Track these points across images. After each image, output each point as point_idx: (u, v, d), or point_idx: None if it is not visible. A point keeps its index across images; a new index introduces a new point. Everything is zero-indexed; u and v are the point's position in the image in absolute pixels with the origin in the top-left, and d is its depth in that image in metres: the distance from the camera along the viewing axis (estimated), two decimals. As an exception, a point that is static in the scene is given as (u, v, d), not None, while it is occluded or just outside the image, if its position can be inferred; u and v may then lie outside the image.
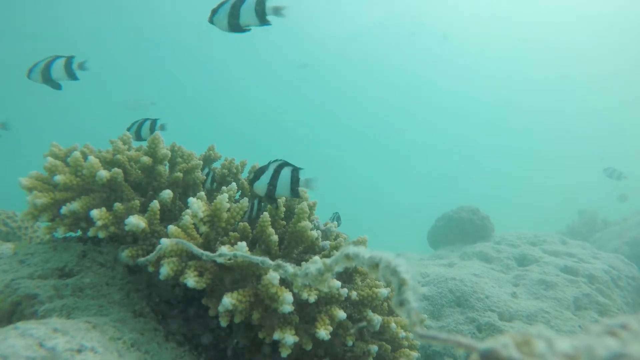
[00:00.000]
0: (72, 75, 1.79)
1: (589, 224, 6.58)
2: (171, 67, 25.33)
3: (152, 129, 1.90)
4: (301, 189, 1.40)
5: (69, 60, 1.77)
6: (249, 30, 1.53)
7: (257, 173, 1.40)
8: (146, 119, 1.93)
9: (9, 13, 18.47)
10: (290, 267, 0.51)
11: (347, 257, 0.41)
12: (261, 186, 1.39)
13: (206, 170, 1.73)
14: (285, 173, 1.39)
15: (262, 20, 1.49)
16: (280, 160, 1.42)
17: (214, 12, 1.54)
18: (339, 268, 0.43)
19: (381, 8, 22.94)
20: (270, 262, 0.56)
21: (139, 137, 1.90)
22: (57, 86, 1.82)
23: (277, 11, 1.48)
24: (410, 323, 0.33)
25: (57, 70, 1.77)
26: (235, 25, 1.51)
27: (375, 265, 0.38)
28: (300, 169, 1.41)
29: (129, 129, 1.90)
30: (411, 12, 23.60)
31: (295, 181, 1.39)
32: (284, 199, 1.51)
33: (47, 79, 1.78)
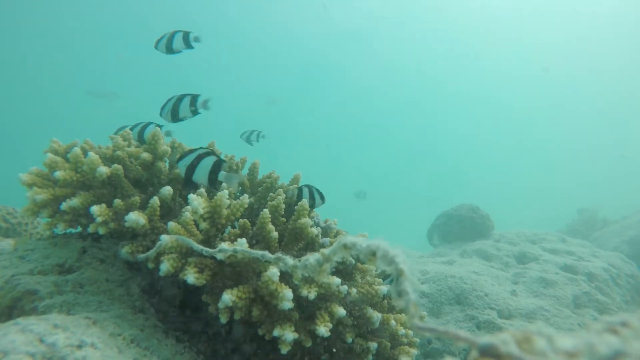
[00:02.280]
0: (195, 113, 2.00)
1: (589, 223, 6.58)
2: (172, 65, 25.29)
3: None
4: (219, 180, 1.43)
5: (194, 99, 1.99)
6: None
7: (184, 154, 1.45)
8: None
9: (9, 13, 18.44)
10: (290, 260, 0.51)
11: (345, 246, 0.41)
12: (181, 167, 1.44)
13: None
14: (207, 161, 1.42)
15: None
16: (209, 149, 1.47)
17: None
18: (337, 258, 0.43)
19: (384, 4, 22.86)
20: (270, 255, 0.56)
21: None
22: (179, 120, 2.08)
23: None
24: (409, 315, 0.33)
25: (184, 109, 1.99)
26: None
27: (372, 254, 0.38)
28: (224, 161, 1.44)
29: None
30: (413, 8, 23.51)
31: (214, 171, 1.42)
32: (283, 196, 1.51)
33: (176, 117, 2.00)
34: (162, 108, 1.95)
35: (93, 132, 2.14)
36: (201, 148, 1.47)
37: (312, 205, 1.64)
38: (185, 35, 2.13)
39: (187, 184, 1.45)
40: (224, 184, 1.49)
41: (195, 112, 1.95)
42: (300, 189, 1.66)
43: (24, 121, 23.15)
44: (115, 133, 2.00)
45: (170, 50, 2.13)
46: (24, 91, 22.41)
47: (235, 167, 1.82)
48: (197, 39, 2.13)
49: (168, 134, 1.96)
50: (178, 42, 2.13)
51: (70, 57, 21.56)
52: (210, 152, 1.45)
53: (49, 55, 21.21)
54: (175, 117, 1.93)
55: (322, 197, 1.70)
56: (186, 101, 1.95)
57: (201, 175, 1.42)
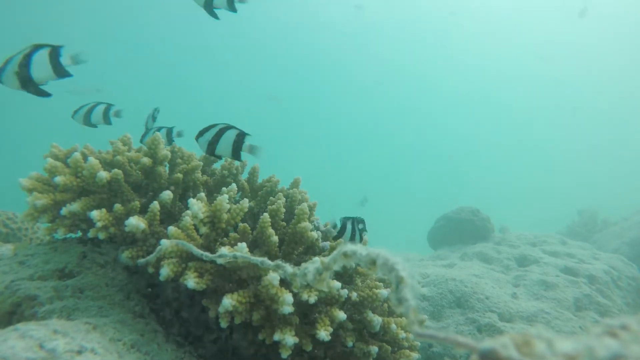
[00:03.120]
0: (107, 121, 1.92)
1: (589, 224, 6.57)
2: (172, 68, 25.34)
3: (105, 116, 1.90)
4: (243, 152, 1.43)
5: (108, 108, 1.90)
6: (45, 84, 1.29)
7: (202, 130, 1.44)
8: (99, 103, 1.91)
9: (8, 13, 18.51)
10: (289, 268, 0.51)
11: (345, 255, 0.41)
12: (202, 142, 1.43)
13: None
14: (230, 134, 1.42)
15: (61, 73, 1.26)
16: (228, 124, 1.46)
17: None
18: (337, 266, 0.43)
19: (384, 5, 22.93)
20: (270, 262, 0.56)
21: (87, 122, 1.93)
22: (94, 126, 1.96)
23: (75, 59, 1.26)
24: (409, 322, 0.33)
25: (97, 115, 1.90)
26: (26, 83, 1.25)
27: (372, 262, 0.38)
28: (247, 134, 1.43)
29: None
30: (414, 9, 23.59)
31: (238, 143, 1.41)
32: (283, 200, 1.51)
33: (88, 122, 1.91)
34: (76, 112, 1.77)
35: (92, 132, 2.14)
36: (221, 123, 1.45)
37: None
38: (106, 109, 1.89)
39: (209, 154, 1.46)
40: (223, 194, 1.49)
41: (107, 121, 1.72)
42: (344, 224, 1.55)
43: (23, 125, 23.17)
44: (73, 115, 1.97)
45: (88, 123, 1.89)
46: (23, 94, 22.42)
47: (235, 172, 1.82)
48: (117, 114, 1.91)
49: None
50: (97, 116, 1.89)
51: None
52: (231, 126, 1.44)
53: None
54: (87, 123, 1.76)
55: (362, 239, 1.60)
56: (100, 108, 1.75)
57: (224, 147, 1.41)
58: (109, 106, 1.89)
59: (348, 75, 28.62)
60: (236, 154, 1.43)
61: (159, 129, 1.89)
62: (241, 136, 1.42)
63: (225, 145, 1.42)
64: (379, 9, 22.91)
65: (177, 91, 26.49)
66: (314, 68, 28.28)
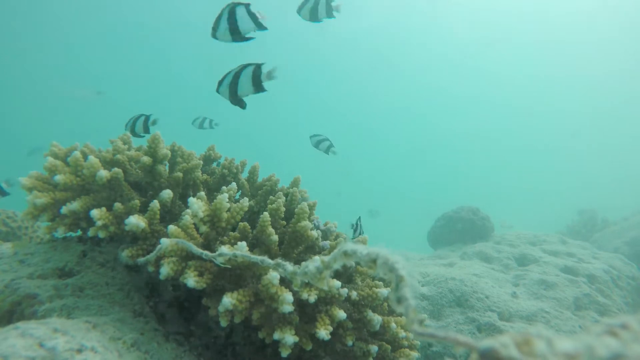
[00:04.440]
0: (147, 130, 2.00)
1: (589, 224, 6.57)
2: (171, 68, 25.33)
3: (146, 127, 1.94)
4: (264, 82, 1.45)
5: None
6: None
7: (220, 80, 1.47)
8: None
9: (8, 14, 18.49)
10: (289, 266, 0.51)
11: (345, 254, 0.41)
12: (223, 89, 1.46)
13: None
14: (247, 71, 1.44)
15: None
16: (242, 64, 1.48)
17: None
18: (337, 265, 0.43)
19: (385, 7, 22.93)
20: (270, 261, 0.56)
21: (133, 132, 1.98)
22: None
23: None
24: (408, 321, 0.33)
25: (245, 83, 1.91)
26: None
27: (372, 261, 0.38)
28: (262, 64, 1.45)
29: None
30: (415, 10, 23.58)
31: (257, 76, 1.43)
32: (283, 199, 1.51)
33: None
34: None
35: (91, 132, 2.15)
36: (234, 67, 1.47)
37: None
38: (329, 3, 2.01)
39: (236, 101, 1.48)
40: (223, 192, 1.49)
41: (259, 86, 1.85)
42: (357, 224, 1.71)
43: (23, 123, 23.17)
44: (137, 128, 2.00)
45: (314, 17, 2.01)
46: (24, 94, 22.46)
47: (235, 171, 1.82)
48: (337, 9, 2.03)
49: (154, 122, 1.97)
50: (322, 10, 2.01)
51: (70, 58, 21.59)
52: (244, 65, 1.45)
53: (48, 57, 21.27)
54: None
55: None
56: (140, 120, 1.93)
57: (246, 84, 1.43)
58: (147, 117, 1.96)
59: (348, 74, 28.58)
60: (259, 86, 1.45)
61: (137, 118, 1.92)
62: (258, 68, 1.44)
63: (246, 82, 1.44)
64: (380, 8, 22.92)
65: (177, 90, 26.47)
66: (313, 69, 28.25)
